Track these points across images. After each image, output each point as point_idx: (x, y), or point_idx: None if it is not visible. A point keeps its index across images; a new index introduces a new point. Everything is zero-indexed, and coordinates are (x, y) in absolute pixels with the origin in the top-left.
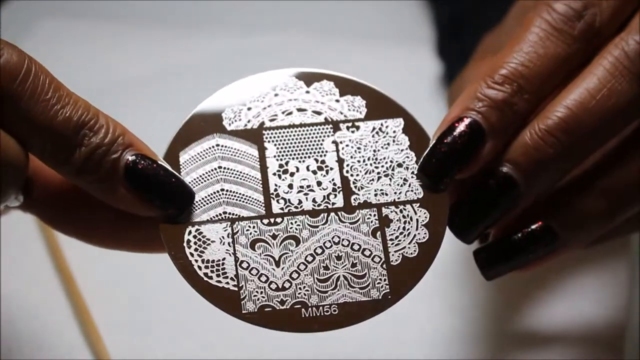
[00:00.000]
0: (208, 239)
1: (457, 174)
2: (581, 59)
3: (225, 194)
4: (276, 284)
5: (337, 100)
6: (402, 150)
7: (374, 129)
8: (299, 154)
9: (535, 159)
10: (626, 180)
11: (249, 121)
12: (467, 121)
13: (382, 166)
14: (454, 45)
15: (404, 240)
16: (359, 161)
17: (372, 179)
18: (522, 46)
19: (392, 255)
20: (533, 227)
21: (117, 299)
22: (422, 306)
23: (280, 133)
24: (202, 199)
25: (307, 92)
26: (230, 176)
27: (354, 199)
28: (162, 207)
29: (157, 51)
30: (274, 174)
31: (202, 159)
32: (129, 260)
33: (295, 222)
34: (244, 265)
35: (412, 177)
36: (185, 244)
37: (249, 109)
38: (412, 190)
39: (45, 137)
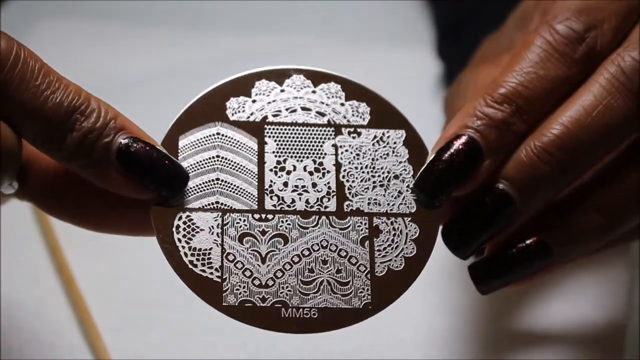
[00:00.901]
0: (197, 227)
1: (453, 192)
2: (580, 81)
3: (220, 184)
4: (260, 280)
5: (342, 104)
6: (400, 162)
7: (375, 137)
8: (297, 153)
9: (531, 175)
10: (621, 196)
11: (252, 114)
12: (464, 139)
13: (379, 176)
14: (454, 45)
15: (391, 253)
16: (356, 168)
17: (367, 188)
18: (523, 65)
19: (378, 266)
20: (527, 242)
21: (117, 299)
22: (420, 305)
23: (281, 129)
24: (197, 185)
25: (314, 92)
26: (227, 167)
27: (347, 205)
28: (156, 189)
29: (157, 51)
30: (271, 170)
31: (201, 145)
32: (129, 259)
33: (286, 221)
34: (230, 257)
35: (407, 190)
36: (174, 229)
37: (253, 101)
38: (405, 204)
39: (36, 122)
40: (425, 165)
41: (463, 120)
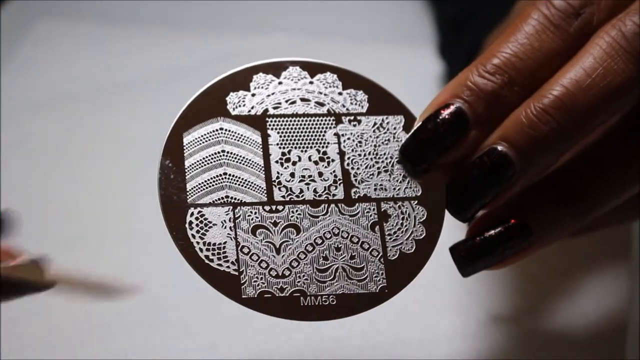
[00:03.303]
0: (210, 222)
1: (436, 161)
2: (574, 55)
3: (228, 178)
4: (276, 271)
5: (340, 93)
6: None
7: (375, 124)
8: (301, 143)
9: (530, 136)
10: (599, 177)
11: (252, 107)
12: (452, 108)
13: (382, 162)
14: (456, 45)
15: (401, 236)
16: (359, 155)
17: (372, 174)
18: (518, 37)
19: (390, 250)
20: (509, 223)
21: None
22: (423, 305)
23: (283, 121)
24: (205, 181)
25: (311, 82)
26: (234, 161)
27: (354, 192)
28: None
29: (157, 51)
30: (276, 162)
31: (206, 141)
32: (130, 260)
33: (297, 211)
34: (245, 250)
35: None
36: (187, 226)
37: (253, 95)
38: (410, 187)
39: None
40: (411, 132)
41: (453, 89)
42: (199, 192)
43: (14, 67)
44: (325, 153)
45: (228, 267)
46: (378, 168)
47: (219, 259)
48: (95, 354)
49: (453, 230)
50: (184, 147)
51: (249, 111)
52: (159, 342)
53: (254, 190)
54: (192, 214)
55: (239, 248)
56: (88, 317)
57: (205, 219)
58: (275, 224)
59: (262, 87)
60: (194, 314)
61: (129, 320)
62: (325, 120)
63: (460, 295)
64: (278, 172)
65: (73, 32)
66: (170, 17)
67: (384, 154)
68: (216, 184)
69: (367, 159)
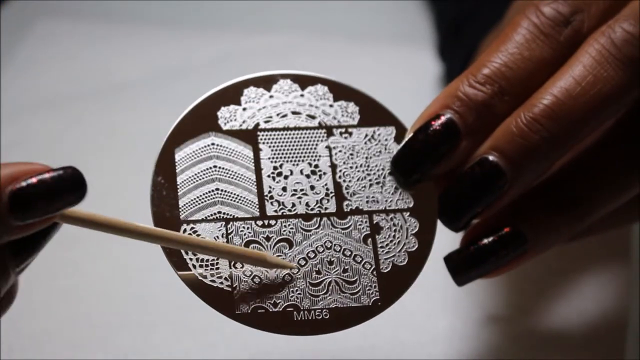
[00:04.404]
0: (202, 238)
1: (428, 172)
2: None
3: (220, 194)
4: (269, 286)
5: (331, 105)
6: None
7: (366, 136)
8: (293, 157)
9: (521, 145)
10: (593, 184)
11: (244, 121)
12: (443, 119)
13: (374, 173)
14: (456, 45)
15: (394, 248)
16: (351, 167)
17: (364, 186)
18: (508, 46)
19: (383, 262)
20: (503, 231)
21: (117, 299)
22: (422, 306)
23: (275, 135)
24: (197, 197)
25: (302, 95)
26: (225, 176)
27: (346, 205)
28: (61, 205)
29: (157, 51)
30: (268, 176)
31: (198, 157)
32: (130, 259)
33: (289, 225)
34: (238, 265)
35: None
36: None
37: (244, 109)
38: (402, 199)
39: None
40: (402, 144)
41: (444, 100)
42: (191, 208)
43: (14, 67)
44: (317, 166)
45: (221, 283)
46: (370, 180)
47: (212, 275)
48: (95, 354)
49: (448, 236)
50: (176, 164)
51: (240, 125)
52: (159, 342)
53: (246, 205)
54: (184, 231)
55: (232, 263)
56: (88, 317)
57: (198, 235)
58: (267, 238)
59: (253, 101)
60: (194, 314)
61: (129, 320)
62: (317, 133)
63: (458, 295)
64: (270, 187)
65: (73, 32)
66: (170, 17)
67: (376, 165)
68: (208, 200)
69: (358, 171)
